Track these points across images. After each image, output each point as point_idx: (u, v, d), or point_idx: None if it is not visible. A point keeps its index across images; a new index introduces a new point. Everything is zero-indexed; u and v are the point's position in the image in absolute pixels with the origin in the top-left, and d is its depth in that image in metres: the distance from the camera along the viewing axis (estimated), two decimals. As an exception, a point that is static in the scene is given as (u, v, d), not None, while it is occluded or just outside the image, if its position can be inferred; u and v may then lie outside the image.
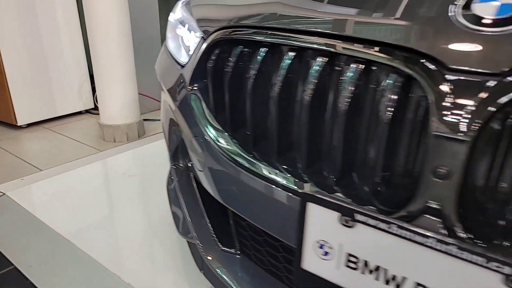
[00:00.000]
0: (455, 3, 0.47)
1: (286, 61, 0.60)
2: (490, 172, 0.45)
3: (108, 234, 1.32)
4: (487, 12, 0.45)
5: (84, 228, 1.35)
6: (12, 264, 1.18)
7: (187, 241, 0.99)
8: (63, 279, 1.11)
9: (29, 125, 2.50)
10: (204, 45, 0.72)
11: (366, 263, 0.50)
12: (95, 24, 2.01)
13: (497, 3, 0.44)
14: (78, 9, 2.52)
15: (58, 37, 2.49)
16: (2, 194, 1.59)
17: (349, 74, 0.53)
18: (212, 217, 0.84)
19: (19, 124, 2.43)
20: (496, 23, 0.44)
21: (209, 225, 0.84)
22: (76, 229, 1.34)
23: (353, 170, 0.56)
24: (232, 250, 0.82)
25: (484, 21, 0.44)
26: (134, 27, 2.23)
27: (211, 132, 0.71)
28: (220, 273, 0.79)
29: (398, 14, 0.51)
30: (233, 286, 0.77)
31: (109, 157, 1.98)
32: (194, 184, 0.87)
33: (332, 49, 0.54)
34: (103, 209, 1.48)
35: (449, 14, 0.47)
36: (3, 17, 2.22)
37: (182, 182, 0.89)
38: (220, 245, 0.82)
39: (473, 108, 0.42)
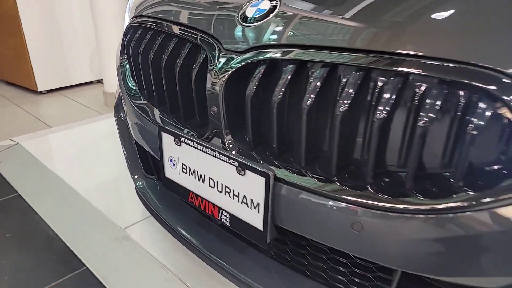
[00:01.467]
0: (243, 6, 0.75)
1: (172, 45, 0.89)
2: (237, 111, 0.73)
3: (95, 175, 1.68)
4: (250, 13, 0.73)
5: (78, 171, 1.72)
6: (17, 192, 1.57)
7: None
8: (51, 202, 1.49)
9: (49, 91, 2.91)
10: (125, 28, 1.02)
11: (189, 169, 0.81)
12: (97, 3, 2.34)
13: (254, 8, 0.72)
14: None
15: (72, 16, 2.85)
16: (16, 143, 1.99)
17: (185, 50, 0.82)
18: (140, 154, 1.16)
19: (39, 90, 2.84)
20: (253, 20, 0.72)
21: (139, 160, 1.16)
22: (70, 171, 1.72)
23: (180, 115, 0.86)
24: (152, 177, 1.14)
25: (248, 19, 0.72)
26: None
27: (128, 91, 1.03)
28: (143, 190, 1.12)
29: (210, 12, 0.79)
30: (151, 195, 1.09)
31: (107, 119, 2.35)
32: (130, 130, 1.20)
33: (186, 37, 0.83)
34: (97, 157, 1.85)
35: (235, 14, 0.75)
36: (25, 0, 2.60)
37: (123, 130, 1.21)
38: (144, 173, 1.15)
39: (222, 72, 0.70)
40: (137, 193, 1.16)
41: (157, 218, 1.05)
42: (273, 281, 0.81)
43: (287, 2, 0.70)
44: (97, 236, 1.30)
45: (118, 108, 1.22)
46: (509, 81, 0.48)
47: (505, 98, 0.48)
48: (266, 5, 0.72)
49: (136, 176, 1.16)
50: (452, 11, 0.56)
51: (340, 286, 0.74)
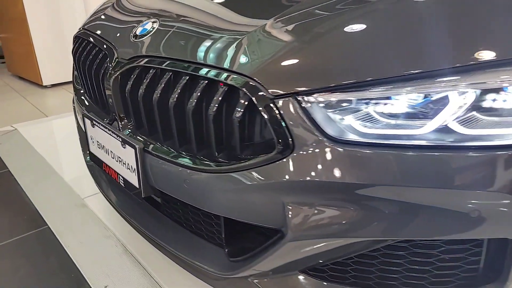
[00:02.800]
0: (139, 25, 1.03)
1: (93, 51, 1.17)
2: (124, 103, 1.00)
3: (73, 157, 2.00)
4: (138, 31, 1.00)
5: (60, 153, 2.04)
6: (7, 168, 1.90)
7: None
8: (32, 177, 1.81)
9: (53, 85, 3.27)
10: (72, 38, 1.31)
11: (101, 144, 1.09)
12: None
13: (141, 28, 1.00)
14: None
15: (74, 17, 3.19)
16: (15, 129, 2.33)
17: (99, 56, 1.10)
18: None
19: (44, 84, 3.20)
20: (138, 36, 0.99)
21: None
22: (54, 153, 2.04)
23: (98, 105, 1.14)
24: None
25: (137, 35, 1.00)
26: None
27: (75, 87, 1.32)
28: (90, 164, 1.41)
29: (118, 27, 1.07)
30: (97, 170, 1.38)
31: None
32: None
33: (99, 45, 1.11)
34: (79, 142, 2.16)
35: (132, 30, 1.02)
36: (31, 1, 2.95)
37: (76, 116, 1.51)
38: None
39: (114, 73, 0.98)
40: (87, 167, 1.46)
41: (98, 188, 1.34)
42: (166, 233, 1.08)
43: (161, 26, 0.97)
44: (61, 202, 1.61)
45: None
46: (254, 83, 0.74)
47: (253, 98, 0.74)
48: (149, 26, 0.99)
49: (84, 153, 1.45)
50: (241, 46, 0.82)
51: (202, 233, 1.01)
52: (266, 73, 0.76)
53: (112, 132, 1.00)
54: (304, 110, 0.72)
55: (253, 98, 0.74)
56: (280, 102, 0.72)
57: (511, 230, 0.71)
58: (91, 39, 1.16)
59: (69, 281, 1.21)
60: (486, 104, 0.68)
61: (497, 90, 0.67)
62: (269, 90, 0.73)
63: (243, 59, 0.79)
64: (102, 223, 1.47)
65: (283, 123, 0.72)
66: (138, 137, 0.98)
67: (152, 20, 1.02)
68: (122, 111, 1.01)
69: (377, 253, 0.82)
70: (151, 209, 1.13)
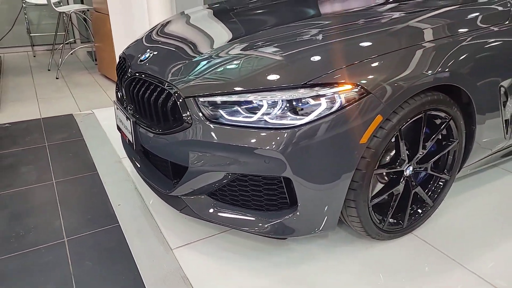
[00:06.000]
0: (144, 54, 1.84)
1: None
2: (132, 98, 1.80)
3: (122, 133, 2.91)
4: (141, 57, 1.81)
5: (116, 132, 2.98)
6: (82, 137, 2.87)
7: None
8: (96, 144, 2.74)
9: (126, 84, 4.31)
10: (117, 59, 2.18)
11: (119, 119, 1.92)
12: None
13: (142, 56, 1.80)
14: None
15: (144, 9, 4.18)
16: (92, 112, 3.34)
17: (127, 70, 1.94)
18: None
19: (120, 82, 4.25)
20: (141, 60, 1.79)
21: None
22: (115, 131, 2.97)
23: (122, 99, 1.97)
24: (128, 129, 2.29)
25: (140, 61, 1.80)
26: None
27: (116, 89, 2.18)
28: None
29: (136, 52, 1.89)
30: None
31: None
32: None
33: (125, 63, 1.95)
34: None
35: (140, 56, 1.84)
36: (116, 23, 4.00)
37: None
38: (125, 127, 2.30)
39: (127, 79, 1.79)
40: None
41: (123, 146, 2.18)
42: (149, 172, 1.86)
43: (152, 55, 1.77)
44: (107, 158, 2.51)
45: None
46: (177, 90, 1.49)
47: (175, 97, 1.49)
48: (147, 55, 1.80)
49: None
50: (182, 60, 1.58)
51: (164, 171, 1.78)
52: (182, 84, 1.50)
53: (123, 112, 1.82)
54: (198, 105, 1.45)
55: (175, 98, 1.50)
56: (187, 100, 1.47)
57: (289, 172, 1.37)
58: (123, 59, 2.00)
59: (100, 198, 2.08)
60: (279, 108, 1.36)
61: (290, 101, 1.35)
62: (182, 94, 1.48)
63: (175, 76, 1.55)
64: (126, 171, 2.33)
65: (188, 111, 1.47)
66: (133, 115, 1.78)
67: (149, 51, 1.82)
68: (129, 101, 1.83)
69: (236, 184, 1.51)
70: (143, 158, 1.93)
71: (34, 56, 5.83)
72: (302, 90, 1.35)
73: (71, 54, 5.43)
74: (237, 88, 1.41)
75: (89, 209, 2.00)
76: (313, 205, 1.45)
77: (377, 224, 1.63)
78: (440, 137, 1.73)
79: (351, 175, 1.42)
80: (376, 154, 1.44)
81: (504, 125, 1.86)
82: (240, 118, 1.40)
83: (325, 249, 1.69)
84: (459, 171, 1.88)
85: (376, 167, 1.48)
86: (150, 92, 1.63)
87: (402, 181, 1.64)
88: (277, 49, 1.53)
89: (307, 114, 1.34)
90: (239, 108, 1.41)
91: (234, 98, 1.41)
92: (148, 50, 1.86)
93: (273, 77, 1.40)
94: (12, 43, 5.97)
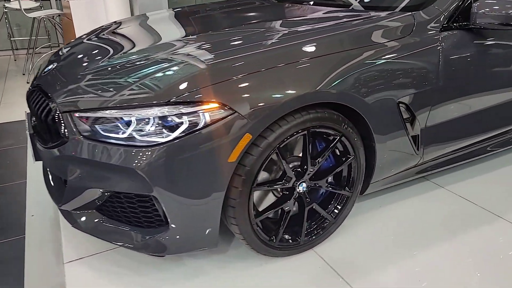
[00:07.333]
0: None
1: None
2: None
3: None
4: (45, 69, 1.81)
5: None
6: (27, 143, 2.89)
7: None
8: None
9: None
10: (40, 67, 2.20)
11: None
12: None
13: (45, 68, 1.81)
14: None
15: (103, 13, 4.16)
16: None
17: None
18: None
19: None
20: (43, 72, 1.80)
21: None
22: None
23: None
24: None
25: (43, 73, 1.81)
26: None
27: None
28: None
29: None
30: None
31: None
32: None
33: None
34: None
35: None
36: None
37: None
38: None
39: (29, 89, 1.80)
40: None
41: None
42: (50, 187, 1.87)
43: (52, 69, 1.78)
44: (39, 169, 2.52)
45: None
46: (56, 105, 1.49)
47: (56, 113, 1.49)
48: (50, 66, 1.80)
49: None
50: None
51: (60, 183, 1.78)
52: (61, 98, 1.50)
53: (28, 124, 1.83)
54: (73, 120, 1.45)
55: (54, 112, 1.50)
56: (64, 115, 1.47)
57: (155, 191, 1.36)
58: (37, 71, 2.01)
59: (19, 207, 2.09)
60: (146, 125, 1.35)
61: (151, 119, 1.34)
62: (59, 109, 1.48)
63: (60, 89, 1.55)
64: (53, 182, 2.34)
65: (64, 127, 1.46)
66: (33, 128, 1.78)
67: (53, 64, 1.83)
68: (32, 113, 1.83)
69: (115, 200, 1.51)
70: (46, 170, 1.93)
71: (15, 60, 5.91)
72: (166, 108, 1.34)
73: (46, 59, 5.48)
74: (109, 104, 1.41)
75: (3, 218, 2.02)
76: (187, 223, 1.44)
77: (266, 241, 1.61)
78: (339, 153, 1.70)
79: (223, 192, 1.41)
80: (252, 172, 1.43)
81: (413, 141, 1.83)
82: (113, 135, 1.39)
83: (218, 265, 1.68)
84: (366, 187, 1.85)
85: (254, 185, 1.46)
86: (39, 106, 1.63)
87: (294, 198, 1.62)
88: (158, 62, 1.53)
89: (172, 132, 1.33)
90: (112, 125, 1.40)
91: (104, 114, 1.40)
92: (56, 60, 1.87)
93: (143, 93, 1.39)
94: (-6, 47, 6.07)
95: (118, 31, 2.21)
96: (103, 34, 2.17)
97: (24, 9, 4.30)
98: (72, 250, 1.76)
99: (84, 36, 2.27)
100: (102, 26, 2.46)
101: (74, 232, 1.84)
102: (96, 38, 2.13)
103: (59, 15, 4.80)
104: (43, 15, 4.54)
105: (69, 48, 2.08)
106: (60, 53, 2.06)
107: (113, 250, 1.76)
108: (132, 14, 3.72)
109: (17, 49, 6.16)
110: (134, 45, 1.89)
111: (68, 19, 4.34)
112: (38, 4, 5.40)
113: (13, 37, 6.08)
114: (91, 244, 1.79)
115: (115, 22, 2.51)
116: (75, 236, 1.84)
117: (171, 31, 2.12)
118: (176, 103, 1.34)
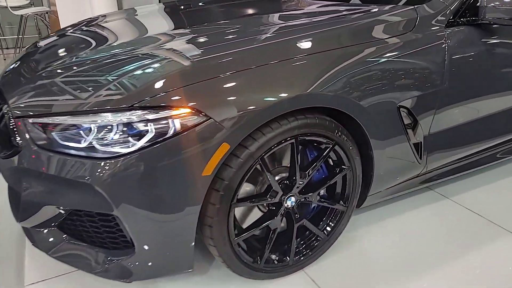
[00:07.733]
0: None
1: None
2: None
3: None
4: (6, 70, 1.63)
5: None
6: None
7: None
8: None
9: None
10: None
11: None
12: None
13: (7, 68, 1.63)
14: None
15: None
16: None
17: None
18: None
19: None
20: (5, 72, 1.62)
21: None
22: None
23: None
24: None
25: (4, 73, 1.63)
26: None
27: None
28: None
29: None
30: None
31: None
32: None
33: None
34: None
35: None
36: None
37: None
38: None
39: None
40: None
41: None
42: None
43: (18, 64, 1.60)
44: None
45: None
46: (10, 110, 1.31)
47: (13, 119, 1.31)
48: (12, 65, 1.62)
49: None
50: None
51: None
52: (15, 101, 1.31)
53: None
54: (27, 126, 1.26)
55: (7, 117, 1.32)
56: (17, 120, 1.28)
57: (117, 209, 1.17)
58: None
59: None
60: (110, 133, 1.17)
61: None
62: (12, 114, 1.29)
63: (16, 90, 1.36)
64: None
65: (17, 134, 1.28)
66: None
67: (19, 61, 1.64)
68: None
69: (76, 218, 1.33)
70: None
71: (5, 59, 5.74)
72: (128, 113, 1.16)
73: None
74: (70, 109, 1.23)
75: (-36, 233, 1.84)
76: (157, 244, 1.26)
77: (249, 263, 1.43)
78: (332, 163, 1.52)
79: (198, 207, 1.23)
80: (231, 187, 1.25)
81: (414, 149, 1.64)
82: (71, 144, 1.21)
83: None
84: (364, 200, 1.67)
85: (234, 201, 1.28)
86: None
87: (281, 214, 1.43)
88: (131, 60, 1.35)
89: (137, 141, 1.15)
90: (70, 132, 1.22)
91: (61, 120, 1.22)
92: (25, 55, 1.70)
93: (106, 96, 1.21)
94: (-16, 46, 5.90)
95: (102, 24, 2.03)
96: (84, 27, 2.00)
97: (15, 7, 4.13)
98: (37, 270, 1.58)
99: (65, 29, 2.09)
100: (89, 18, 2.29)
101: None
102: (76, 31, 1.95)
103: (47, 13, 4.63)
104: (30, 12, 4.37)
105: (44, 42, 1.90)
106: (33, 47, 1.88)
107: (79, 272, 1.57)
108: (119, 9, 3.55)
109: (7, 48, 5.99)
110: (113, 39, 1.71)
111: (55, 17, 4.17)
112: (27, 1, 5.23)
113: (3, 36, 5.91)
114: (58, 263, 1.61)
115: (101, 15, 2.34)
116: (42, 255, 1.66)
117: (154, 26, 1.94)
118: (140, 108, 1.16)
